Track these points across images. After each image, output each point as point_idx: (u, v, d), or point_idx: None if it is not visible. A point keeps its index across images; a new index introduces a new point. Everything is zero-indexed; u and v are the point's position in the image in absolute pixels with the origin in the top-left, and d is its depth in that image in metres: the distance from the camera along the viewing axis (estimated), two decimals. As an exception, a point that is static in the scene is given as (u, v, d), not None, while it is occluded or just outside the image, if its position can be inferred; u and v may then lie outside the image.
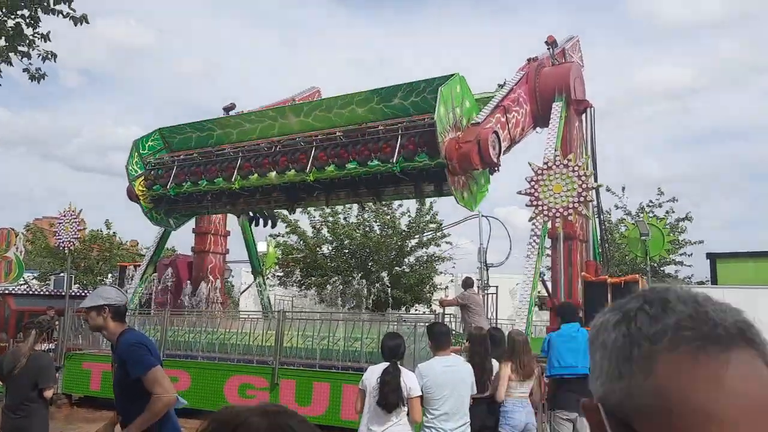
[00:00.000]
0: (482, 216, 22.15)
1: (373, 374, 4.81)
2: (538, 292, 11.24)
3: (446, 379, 4.91)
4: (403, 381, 4.72)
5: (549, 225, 10.79)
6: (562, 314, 6.96)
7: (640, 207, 24.87)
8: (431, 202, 19.73)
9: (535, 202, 9.90)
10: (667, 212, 24.44)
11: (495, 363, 6.01)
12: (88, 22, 7.49)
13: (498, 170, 10.52)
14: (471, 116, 10.30)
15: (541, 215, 9.93)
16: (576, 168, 9.71)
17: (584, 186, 9.60)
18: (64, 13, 7.32)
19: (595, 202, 12.24)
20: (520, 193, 10.10)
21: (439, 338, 5.12)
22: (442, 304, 11.78)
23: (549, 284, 12.07)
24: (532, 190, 9.92)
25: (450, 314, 10.99)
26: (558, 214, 9.75)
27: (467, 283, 10.72)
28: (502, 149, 10.46)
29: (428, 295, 20.53)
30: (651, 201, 24.97)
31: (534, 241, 10.77)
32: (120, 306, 3.69)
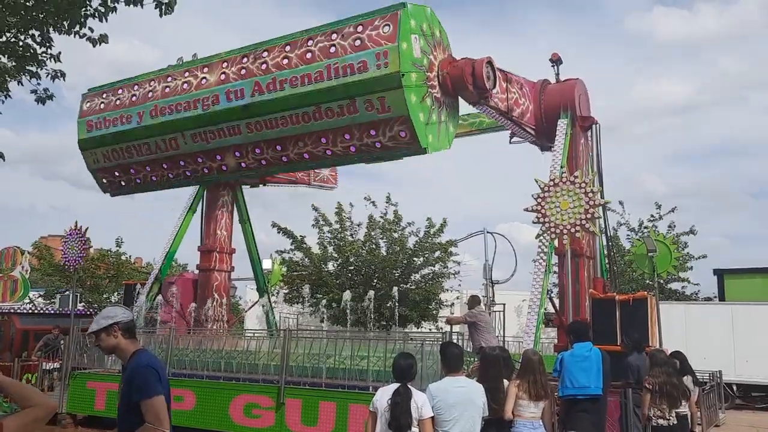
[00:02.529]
0: (487, 232, 22.18)
1: (383, 395, 4.75)
2: (545, 309, 11.15)
3: (457, 400, 4.84)
4: (414, 402, 4.65)
5: (556, 242, 10.72)
6: (575, 333, 6.87)
7: (640, 222, 24.83)
8: (440, 222, 19.65)
9: (542, 219, 9.85)
10: (669, 227, 24.38)
11: (507, 383, 5.93)
12: (107, 42, 7.24)
13: (488, 100, 10.42)
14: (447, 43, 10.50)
15: (549, 232, 9.87)
16: (583, 185, 9.67)
17: (592, 203, 9.56)
18: (81, 34, 7.10)
19: (602, 219, 12.18)
20: (527, 210, 10.06)
21: (452, 360, 5.04)
22: (449, 321, 11.67)
23: (556, 301, 11.98)
24: (539, 207, 9.88)
25: (457, 332, 10.88)
26: (565, 231, 9.70)
27: (474, 301, 10.63)
28: (494, 88, 10.41)
29: (434, 312, 20.37)
30: (652, 215, 24.93)
31: (541, 258, 10.71)
32: (128, 322, 3.67)
